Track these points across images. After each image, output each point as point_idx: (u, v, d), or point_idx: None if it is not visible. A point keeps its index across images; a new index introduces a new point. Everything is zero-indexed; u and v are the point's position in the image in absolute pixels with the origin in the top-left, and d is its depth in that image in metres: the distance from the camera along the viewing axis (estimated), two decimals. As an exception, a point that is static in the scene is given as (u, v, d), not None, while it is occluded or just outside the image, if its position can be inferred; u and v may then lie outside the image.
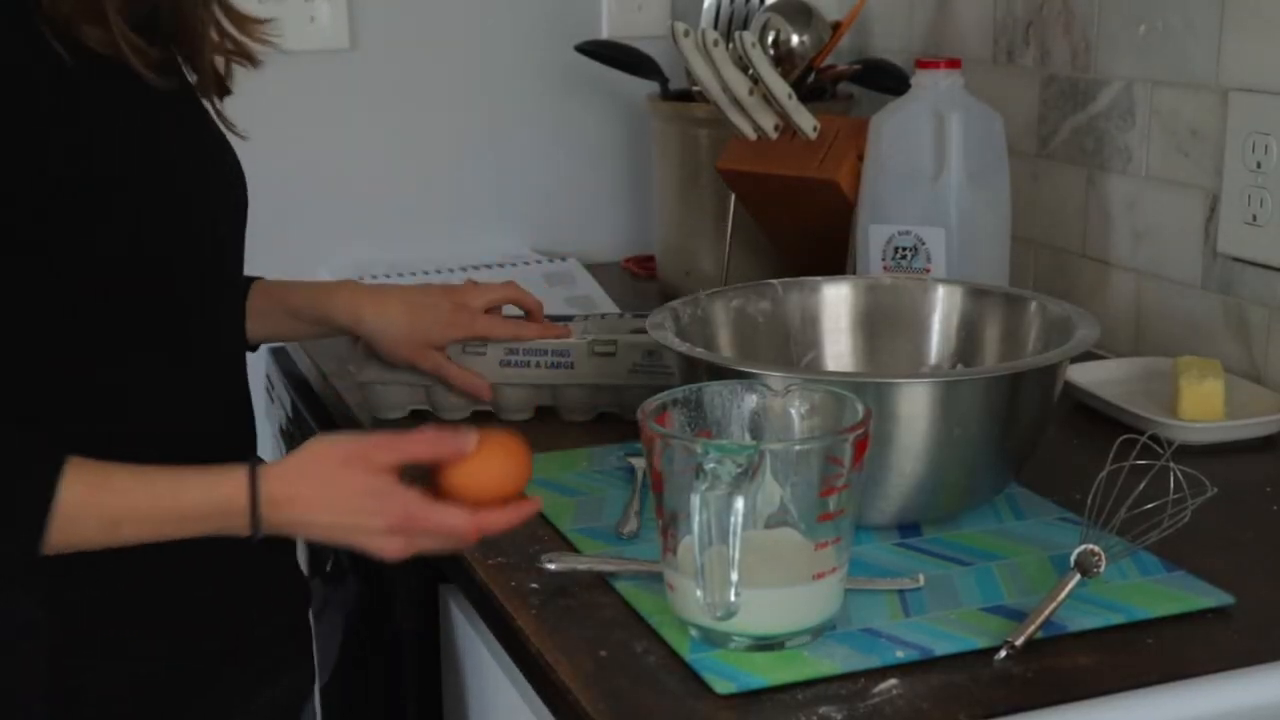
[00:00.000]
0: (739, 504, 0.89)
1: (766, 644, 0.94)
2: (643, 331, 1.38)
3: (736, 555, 0.89)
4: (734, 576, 0.90)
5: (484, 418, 1.40)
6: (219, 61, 1.04)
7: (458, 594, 1.18)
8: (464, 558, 1.11)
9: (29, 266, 0.89)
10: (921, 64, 1.60)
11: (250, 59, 1.07)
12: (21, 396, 0.91)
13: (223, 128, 1.05)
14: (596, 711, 0.89)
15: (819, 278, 1.33)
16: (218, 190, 1.03)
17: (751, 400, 1.02)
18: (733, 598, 0.90)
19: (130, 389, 0.95)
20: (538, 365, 1.37)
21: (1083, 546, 1.01)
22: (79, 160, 0.89)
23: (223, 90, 1.05)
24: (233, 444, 1.03)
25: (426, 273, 1.86)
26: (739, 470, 0.89)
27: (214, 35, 1.02)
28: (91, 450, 0.90)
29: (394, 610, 1.29)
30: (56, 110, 0.89)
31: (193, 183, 0.99)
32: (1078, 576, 0.99)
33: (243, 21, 1.05)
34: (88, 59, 0.91)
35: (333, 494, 0.93)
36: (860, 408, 0.97)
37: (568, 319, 1.45)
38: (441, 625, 1.24)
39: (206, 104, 1.05)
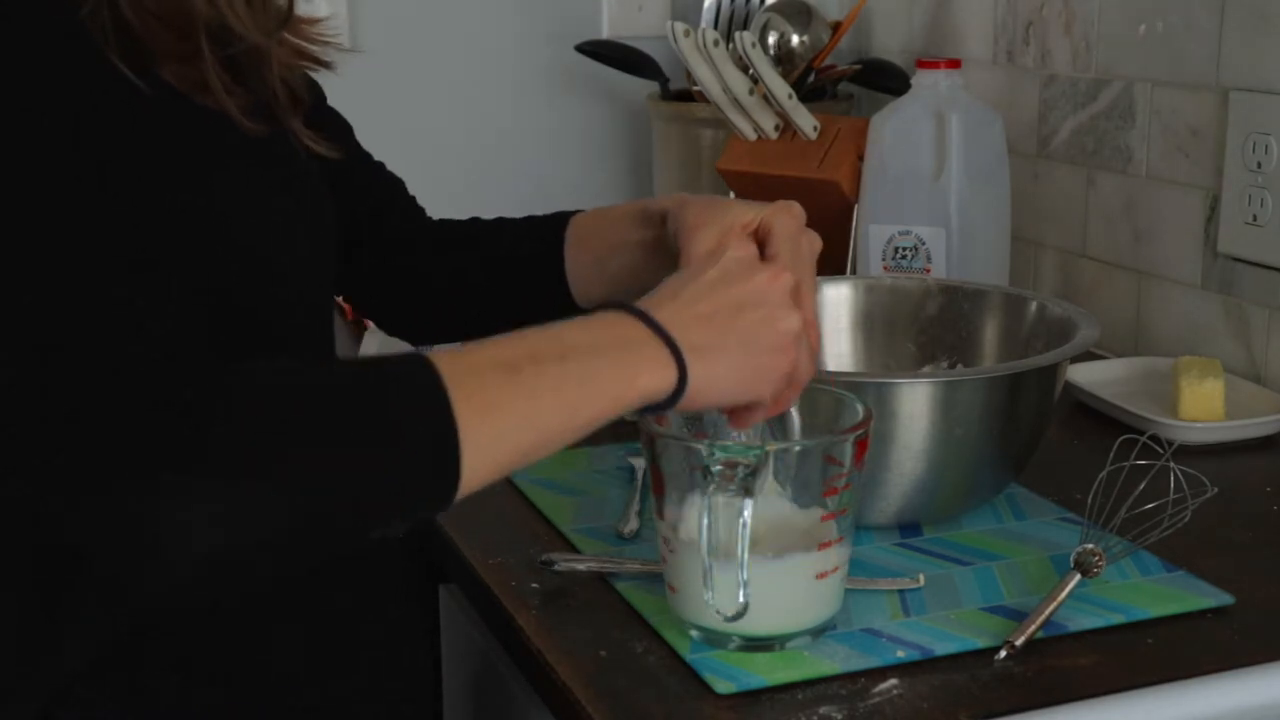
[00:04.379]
0: (748, 506, 0.89)
1: (767, 644, 0.94)
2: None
3: (746, 557, 0.89)
4: (744, 577, 0.90)
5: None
6: (286, 72, 0.97)
7: (458, 594, 1.18)
8: (464, 558, 1.11)
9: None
10: (921, 64, 1.61)
11: (318, 61, 1.02)
12: None
13: (306, 149, 0.98)
14: (596, 711, 0.89)
15: (819, 278, 1.32)
16: (287, 236, 0.94)
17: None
18: (742, 599, 0.90)
19: None
20: None
21: (1083, 546, 1.01)
22: (143, 196, 0.83)
23: (298, 103, 0.99)
24: None
25: (426, 273, 1.86)
26: (746, 472, 0.89)
27: (278, 50, 0.95)
28: None
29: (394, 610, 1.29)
30: (126, 140, 0.83)
31: (260, 238, 0.91)
32: (1078, 576, 0.99)
33: (298, 25, 1.01)
34: (160, 91, 0.86)
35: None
36: (860, 408, 0.97)
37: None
38: (442, 625, 1.24)
39: (289, 128, 0.97)
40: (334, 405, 0.75)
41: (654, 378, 0.84)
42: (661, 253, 1.07)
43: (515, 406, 0.79)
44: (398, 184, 1.22)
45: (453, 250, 1.18)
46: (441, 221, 1.22)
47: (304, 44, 1.00)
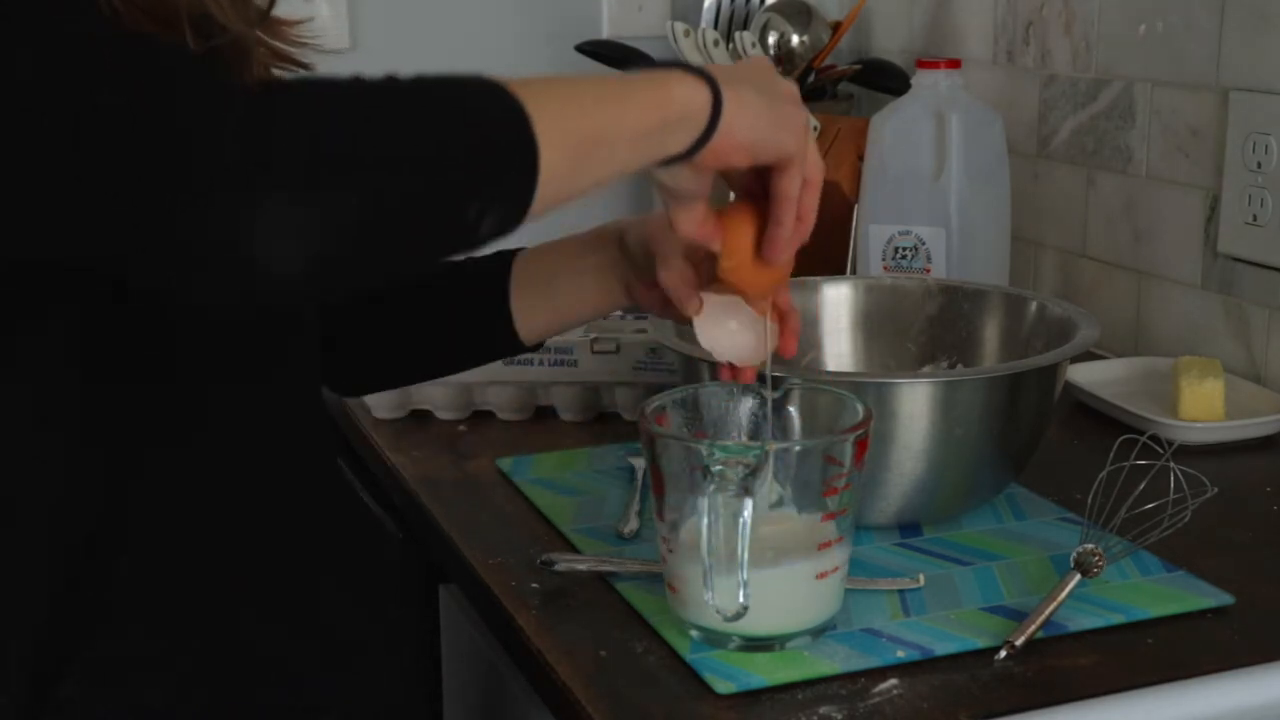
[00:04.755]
0: (748, 506, 0.89)
1: (767, 644, 0.94)
2: (644, 331, 1.39)
3: (746, 557, 0.89)
4: (744, 577, 0.90)
5: (483, 416, 1.40)
6: (264, 73, 1.00)
7: (458, 594, 1.18)
8: (464, 558, 1.11)
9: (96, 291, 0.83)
10: (921, 64, 1.61)
11: (297, 63, 1.03)
12: (100, 415, 0.89)
13: None
14: (596, 711, 0.89)
15: (819, 278, 1.33)
16: None
17: (748, 401, 1.02)
18: (742, 599, 0.90)
19: (208, 409, 0.91)
20: (540, 364, 1.37)
21: (1083, 546, 1.01)
22: None
23: None
24: (314, 454, 1.01)
25: (426, 273, 1.86)
26: (747, 472, 0.89)
27: (257, 49, 0.95)
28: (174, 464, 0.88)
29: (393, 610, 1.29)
30: None
31: None
32: (1078, 576, 0.99)
33: (278, 26, 1.02)
34: None
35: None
36: (860, 408, 0.97)
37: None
38: (442, 625, 1.24)
39: None
40: (395, 95, 0.77)
41: (688, 89, 0.86)
42: (612, 277, 1.08)
43: (564, 95, 0.82)
44: None
45: (395, 292, 1.15)
46: None
47: (282, 45, 1.00)
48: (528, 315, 1.11)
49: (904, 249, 1.57)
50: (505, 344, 1.12)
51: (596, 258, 1.09)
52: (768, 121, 0.90)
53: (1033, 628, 0.95)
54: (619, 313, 1.66)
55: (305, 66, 1.02)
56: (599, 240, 1.10)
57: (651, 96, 0.85)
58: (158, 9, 0.86)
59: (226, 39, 0.89)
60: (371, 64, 2.07)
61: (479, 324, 1.13)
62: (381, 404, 1.40)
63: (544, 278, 1.11)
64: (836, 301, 1.32)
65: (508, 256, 1.13)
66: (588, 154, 0.82)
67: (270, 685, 0.92)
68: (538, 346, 1.13)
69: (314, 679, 0.93)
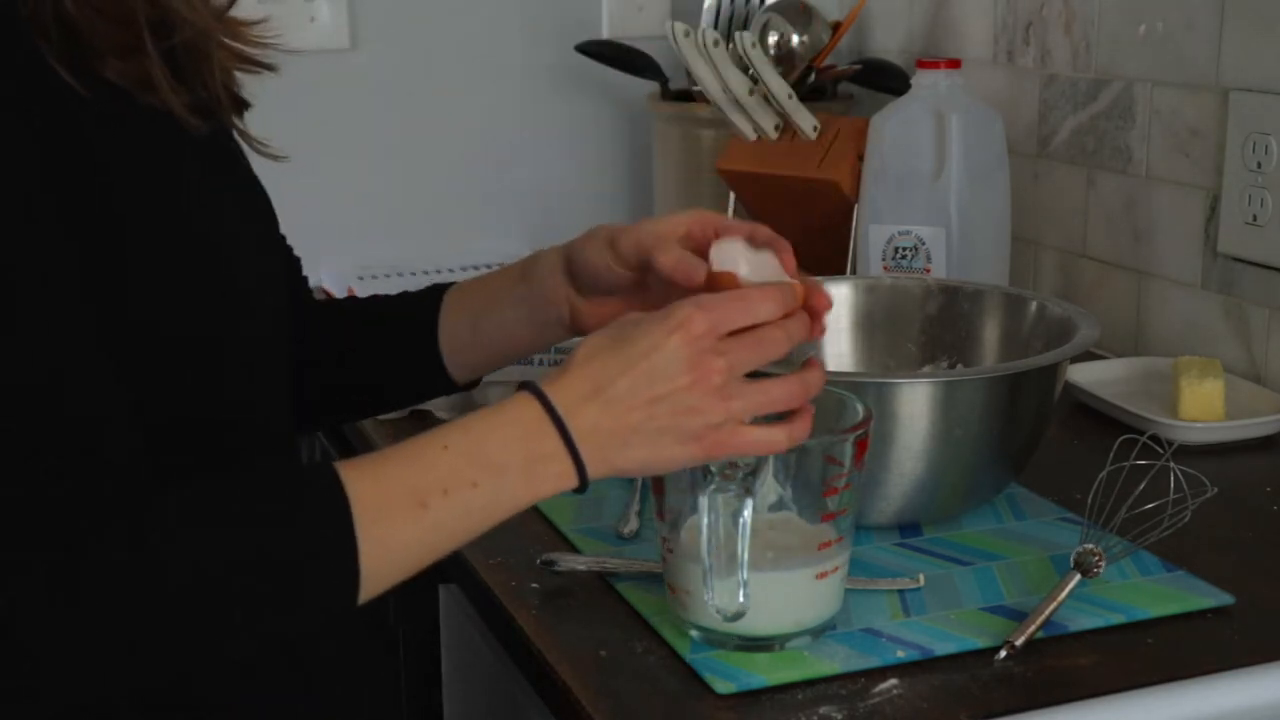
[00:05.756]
0: (748, 506, 0.89)
1: (767, 644, 0.94)
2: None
3: (745, 557, 0.89)
4: (744, 577, 0.90)
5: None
6: (227, 76, 0.96)
7: (458, 594, 1.18)
8: (464, 558, 1.11)
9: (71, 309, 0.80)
10: (921, 64, 1.61)
11: (262, 64, 1.02)
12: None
13: (255, 151, 0.99)
14: (596, 711, 0.89)
15: (819, 278, 1.32)
16: (248, 241, 0.94)
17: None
18: (741, 599, 0.90)
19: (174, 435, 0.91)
20: (541, 363, 1.37)
21: (1083, 546, 1.01)
22: (93, 197, 0.81)
23: (240, 105, 0.99)
24: None
25: (426, 272, 1.86)
26: (747, 472, 0.89)
27: (218, 53, 0.94)
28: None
29: (394, 610, 1.29)
30: (63, 142, 0.81)
31: (218, 232, 0.90)
32: (1078, 576, 0.99)
33: (237, 28, 1.01)
34: (105, 93, 0.84)
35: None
36: (860, 408, 0.97)
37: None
38: (442, 625, 1.24)
39: (235, 131, 0.98)
40: (237, 544, 0.77)
41: (555, 488, 0.85)
42: (543, 309, 1.05)
43: (419, 539, 0.82)
44: (298, 260, 1.18)
45: (331, 324, 1.15)
46: (322, 301, 1.19)
47: (243, 47, 0.99)
48: (456, 353, 1.09)
49: (904, 249, 1.57)
50: (434, 382, 1.11)
51: (525, 289, 1.06)
52: (641, 472, 0.87)
53: (1033, 628, 0.95)
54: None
55: (268, 67, 1.00)
56: (528, 272, 1.07)
57: (513, 504, 0.84)
58: (111, 9, 0.84)
59: (185, 37, 0.88)
60: (372, 64, 2.08)
61: (407, 362, 1.11)
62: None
63: (470, 313, 1.09)
64: (836, 301, 1.31)
65: (439, 291, 1.11)
66: (413, 573, 0.83)
67: (262, 690, 0.91)
68: (471, 385, 1.12)
69: (309, 683, 0.93)
